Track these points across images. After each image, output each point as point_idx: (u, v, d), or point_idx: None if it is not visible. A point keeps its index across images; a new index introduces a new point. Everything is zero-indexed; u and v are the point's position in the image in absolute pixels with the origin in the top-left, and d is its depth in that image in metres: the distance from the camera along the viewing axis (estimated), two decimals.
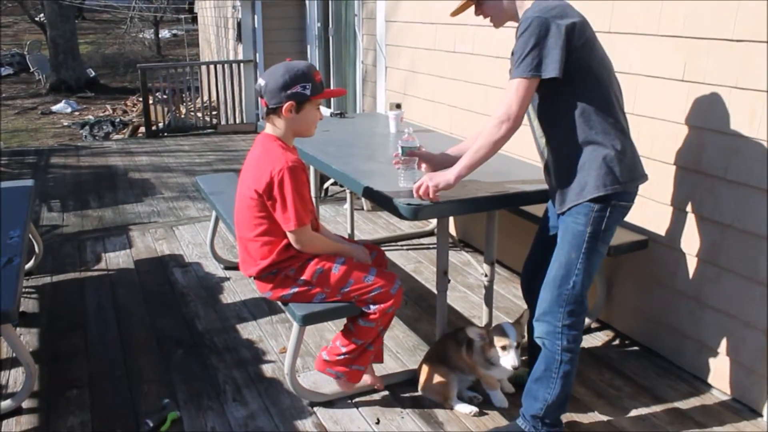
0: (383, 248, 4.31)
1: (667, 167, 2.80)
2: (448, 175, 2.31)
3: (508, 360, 2.46)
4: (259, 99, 2.46)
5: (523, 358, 2.61)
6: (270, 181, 2.34)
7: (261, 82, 2.40)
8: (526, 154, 3.35)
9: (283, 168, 2.32)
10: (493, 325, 2.66)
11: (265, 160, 2.39)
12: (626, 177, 2.15)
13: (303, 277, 2.46)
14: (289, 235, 2.41)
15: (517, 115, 2.11)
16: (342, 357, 2.58)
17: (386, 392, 2.73)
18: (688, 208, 2.74)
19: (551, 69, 2.05)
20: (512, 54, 2.15)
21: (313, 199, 2.57)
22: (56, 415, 2.59)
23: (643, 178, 2.26)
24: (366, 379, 2.71)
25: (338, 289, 2.46)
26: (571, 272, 2.20)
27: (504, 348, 2.47)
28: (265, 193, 2.36)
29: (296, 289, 2.48)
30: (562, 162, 2.22)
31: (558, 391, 2.29)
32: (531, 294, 2.52)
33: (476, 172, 2.74)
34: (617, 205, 2.17)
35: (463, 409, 2.58)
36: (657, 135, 2.82)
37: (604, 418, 2.55)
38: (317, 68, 2.43)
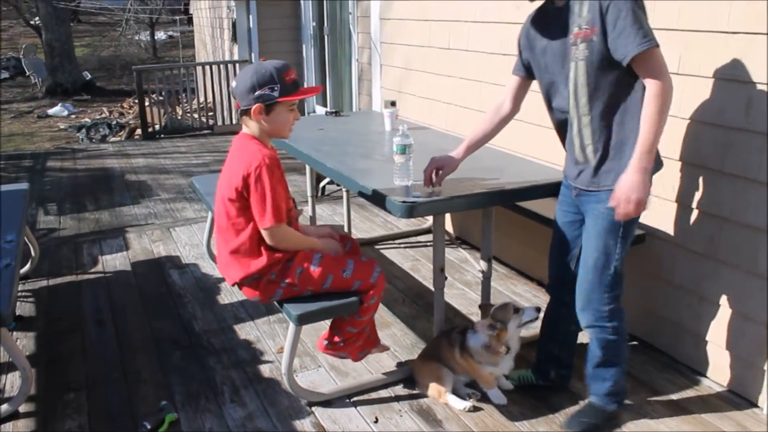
0: (381, 246, 4.35)
1: (664, 161, 2.78)
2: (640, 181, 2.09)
3: (530, 310, 2.52)
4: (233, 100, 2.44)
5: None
6: (246, 176, 2.29)
7: (233, 83, 2.38)
8: (522, 150, 3.35)
9: (260, 165, 2.28)
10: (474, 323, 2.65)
11: (242, 157, 2.34)
12: (656, 163, 2.21)
13: (286, 280, 2.44)
14: (263, 232, 2.35)
15: None
16: (343, 343, 2.65)
17: (384, 391, 2.73)
18: (686, 201, 2.73)
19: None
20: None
21: (292, 195, 2.54)
22: (54, 418, 2.58)
23: (661, 165, 2.31)
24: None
25: (321, 286, 2.47)
26: (611, 258, 2.25)
27: (516, 311, 2.50)
28: (244, 190, 2.31)
29: (282, 291, 2.47)
30: (605, 143, 2.18)
31: (621, 365, 2.40)
32: (562, 287, 2.49)
33: (471, 168, 2.72)
34: None
35: (457, 404, 2.57)
36: None
37: None
38: (291, 66, 2.34)
